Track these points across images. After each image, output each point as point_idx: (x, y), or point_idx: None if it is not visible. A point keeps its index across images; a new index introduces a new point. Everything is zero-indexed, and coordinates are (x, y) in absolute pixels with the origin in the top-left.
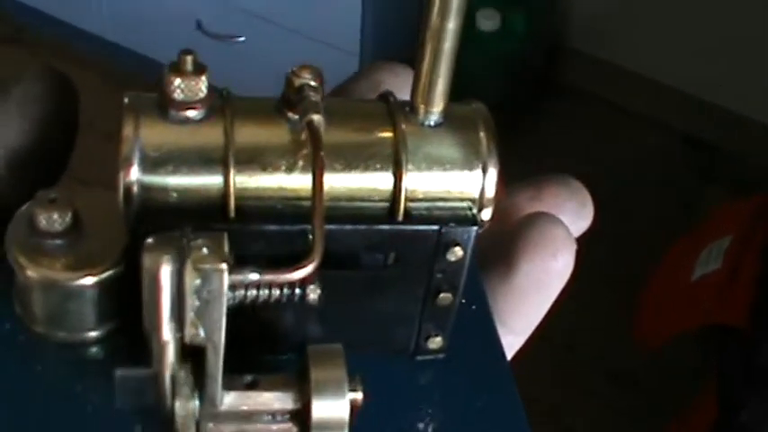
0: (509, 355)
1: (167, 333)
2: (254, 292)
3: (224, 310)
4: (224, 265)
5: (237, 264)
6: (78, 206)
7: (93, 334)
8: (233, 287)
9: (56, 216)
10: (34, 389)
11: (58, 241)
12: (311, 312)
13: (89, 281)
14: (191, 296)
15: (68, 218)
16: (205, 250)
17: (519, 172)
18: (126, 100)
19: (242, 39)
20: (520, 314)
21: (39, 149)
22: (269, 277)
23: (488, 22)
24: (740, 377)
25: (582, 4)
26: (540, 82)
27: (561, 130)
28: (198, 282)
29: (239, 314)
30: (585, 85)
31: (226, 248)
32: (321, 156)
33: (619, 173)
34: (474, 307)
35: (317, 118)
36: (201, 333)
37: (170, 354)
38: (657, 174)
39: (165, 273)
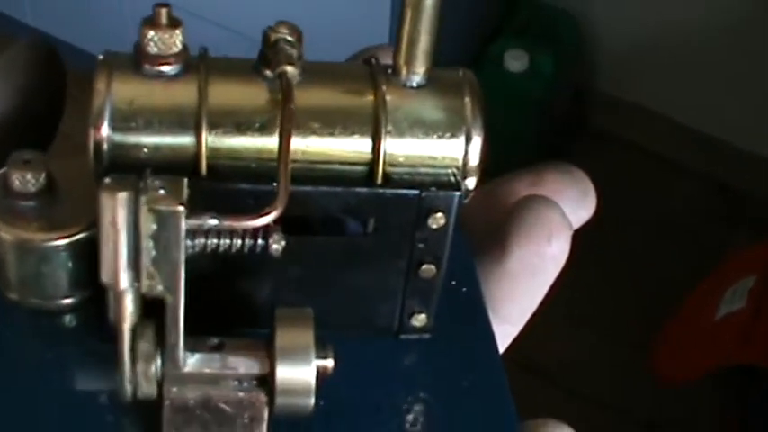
0: (504, 344)
1: (124, 281)
2: (214, 240)
3: (182, 257)
4: (180, 207)
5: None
6: (54, 169)
7: (66, 301)
8: (192, 234)
9: (29, 177)
10: (3, 356)
11: (32, 203)
12: (288, 285)
13: (62, 242)
14: (146, 239)
15: (42, 179)
16: (162, 192)
17: None
18: (100, 57)
19: None
20: (513, 301)
21: (22, 119)
22: (229, 223)
23: (516, 62)
24: (765, 419)
25: (611, 46)
26: (567, 123)
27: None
28: (154, 227)
29: (209, 283)
30: (612, 126)
31: (185, 192)
32: (291, 107)
33: (645, 216)
34: (465, 289)
35: (290, 69)
36: (160, 285)
37: (128, 304)
38: (684, 217)
39: (121, 212)
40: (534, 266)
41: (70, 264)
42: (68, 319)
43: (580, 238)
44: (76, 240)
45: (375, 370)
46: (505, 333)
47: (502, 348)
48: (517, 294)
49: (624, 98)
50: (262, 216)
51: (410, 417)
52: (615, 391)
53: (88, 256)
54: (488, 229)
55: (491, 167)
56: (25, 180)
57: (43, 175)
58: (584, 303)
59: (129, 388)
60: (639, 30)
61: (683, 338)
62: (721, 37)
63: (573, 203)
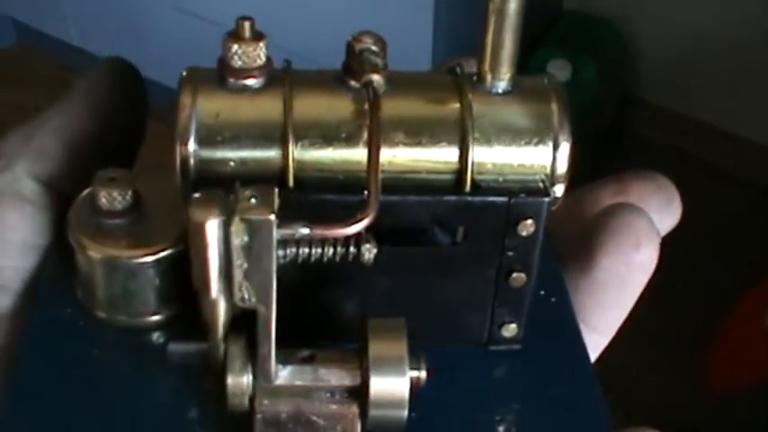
0: (593, 355)
1: (215, 291)
2: (305, 250)
3: (273, 267)
4: (272, 216)
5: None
6: (140, 187)
7: (153, 318)
8: (283, 244)
9: (116, 194)
10: (93, 374)
11: (119, 221)
12: (377, 296)
13: (149, 259)
14: (238, 251)
15: (129, 196)
16: (253, 201)
17: None
18: (184, 73)
19: None
20: (602, 311)
21: (105, 139)
22: (321, 231)
23: (560, 72)
24: None
25: (653, 54)
26: (611, 132)
27: None
28: (246, 237)
29: (298, 295)
30: (656, 134)
31: (276, 201)
32: (379, 115)
33: (690, 224)
34: (554, 299)
35: (376, 78)
36: (251, 298)
37: (221, 314)
38: (730, 225)
39: (212, 224)
40: (623, 275)
41: (157, 281)
42: (156, 336)
43: None
44: (164, 257)
45: (466, 382)
46: (595, 343)
47: (593, 359)
48: (606, 304)
49: (668, 106)
50: (354, 223)
51: (501, 429)
52: (663, 402)
53: (175, 272)
54: (575, 238)
55: None
56: (112, 198)
57: (129, 193)
58: (630, 313)
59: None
60: (682, 37)
61: (732, 348)
62: (764, 43)
63: (658, 211)
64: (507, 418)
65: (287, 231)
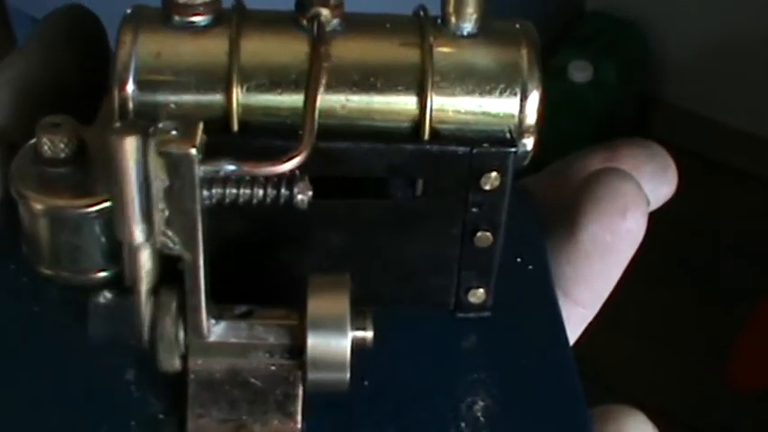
0: (576, 332)
1: (139, 235)
2: (233, 191)
3: (198, 208)
4: (193, 150)
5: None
6: (89, 137)
7: (100, 275)
8: (209, 183)
9: (59, 141)
10: (32, 332)
11: (63, 170)
12: (330, 255)
13: (94, 209)
14: (157, 187)
15: (73, 144)
16: (174, 133)
17: None
18: (128, 10)
19: None
20: (586, 282)
21: (59, 88)
22: (248, 168)
23: (581, 73)
24: None
25: (675, 55)
26: (632, 133)
27: None
28: (166, 173)
29: (242, 251)
30: (677, 135)
31: (199, 134)
32: (321, 47)
33: (711, 225)
34: (531, 267)
35: (324, 12)
36: (175, 243)
37: (145, 261)
38: (752, 226)
39: (130, 154)
40: (607, 244)
41: (104, 234)
42: (101, 295)
43: (650, 249)
44: (109, 208)
45: (428, 350)
46: (579, 317)
47: (576, 334)
48: (590, 274)
49: (689, 107)
50: (285, 162)
51: (466, 402)
52: (685, 403)
53: None
54: (560, 205)
55: None
56: (55, 145)
57: (74, 140)
58: (652, 316)
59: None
60: (703, 39)
61: (756, 346)
62: None
63: (651, 179)
64: (472, 389)
65: (210, 168)
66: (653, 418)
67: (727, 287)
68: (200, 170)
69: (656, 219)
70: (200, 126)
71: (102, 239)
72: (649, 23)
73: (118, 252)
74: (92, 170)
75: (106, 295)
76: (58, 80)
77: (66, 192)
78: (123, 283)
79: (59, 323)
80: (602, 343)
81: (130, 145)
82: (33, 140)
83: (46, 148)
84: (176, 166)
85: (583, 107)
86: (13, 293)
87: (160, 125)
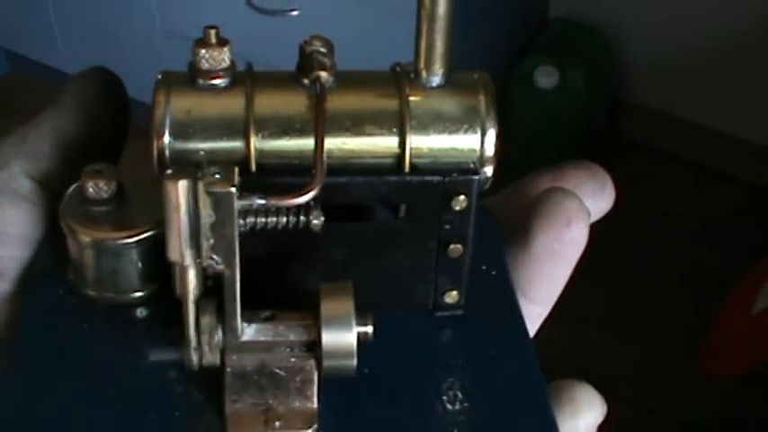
0: (534, 326)
1: (187, 258)
2: (262, 219)
3: (236, 233)
4: (233, 189)
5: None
6: (122, 179)
7: (137, 294)
8: (244, 214)
9: (102, 184)
10: (83, 345)
11: (105, 208)
12: (333, 268)
13: (131, 240)
14: (205, 219)
15: (113, 186)
16: (217, 176)
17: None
18: (159, 75)
19: (295, 12)
20: (539, 283)
21: (92, 139)
22: (275, 201)
23: (547, 79)
24: None
25: (640, 57)
26: (602, 137)
27: (625, 184)
28: (211, 207)
29: (265, 268)
30: (646, 135)
31: (236, 176)
32: (324, 103)
33: (686, 225)
34: (494, 273)
35: (323, 74)
36: (218, 262)
37: (191, 278)
38: (726, 225)
39: (182, 195)
40: (556, 250)
41: (140, 260)
42: (139, 310)
43: (625, 249)
44: (145, 238)
45: (414, 343)
46: (535, 314)
47: (533, 329)
48: (543, 276)
49: (655, 107)
50: (302, 195)
51: (446, 383)
52: (663, 396)
53: (155, 253)
54: (516, 220)
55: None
56: (98, 188)
57: (114, 183)
58: (632, 317)
59: (194, 357)
60: (666, 40)
61: (724, 336)
62: (746, 43)
63: (592, 195)
64: (451, 373)
65: (246, 202)
66: (642, 417)
67: (701, 281)
68: (237, 204)
69: (629, 217)
70: (237, 170)
71: (139, 265)
72: (613, 28)
73: (152, 275)
74: (128, 207)
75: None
76: (90, 131)
77: (107, 226)
78: (156, 302)
79: (106, 336)
80: (587, 347)
81: (183, 187)
82: (78, 183)
83: (90, 190)
84: (219, 202)
85: (551, 112)
86: (63, 313)
87: (206, 170)
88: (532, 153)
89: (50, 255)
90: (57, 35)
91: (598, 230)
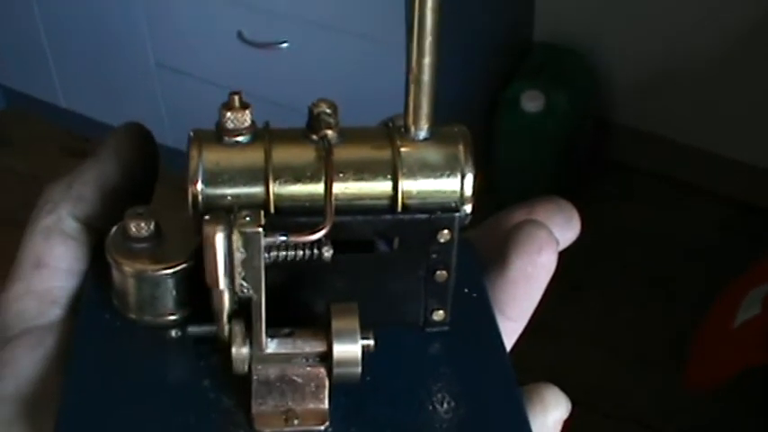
0: (511, 340)
1: (222, 284)
2: (283, 252)
3: (263, 265)
4: (260, 229)
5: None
6: (159, 219)
7: (171, 318)
8: (268, 248)
9: (143, 224)
10: (128, 361)
11: (145, 244)
12: (339, 292)
13: (168, 271)
14: (237, 253)
15: (152, 225)
16: (247, 219)
17: (573, 249)
18: (191, 133)
19: (285, 45)
20: (515, 302)
21: (127, 184)
22: (294, 238)
23: (533, 103)
24: None
25: (624, 79)
26: (588, 159)
27: (611, 203)
28: (243, 244)
29: (285, 295)
30: (632, 157)
31: (263, 219)
32: (332, 157)
33: (670, 242)
34: (475, 295)
35: (330, 133)
36: (248, 289)
37: (226, 301)
38: (709, 241)
39: (219, 235)
40: (529, 273)
41: (174, 289)
42: (174, 331)
43: (613, 266)
44: (179, 270)
45: (408, 355)
46: (511, 329)
47: (510, 342)
48: (517, 297)
49: (640, 127)
50: (316, 231)
51: (436, 387)
52: (650, 409)
53: (188, 282)
54: (494, 248)
55: (518, 200)
56: (139, 227)
57: (152, 223)
58: (619, 332)
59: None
60: (649, 61)
61: (707, 348)
62: (724, 64)
63: (560, 226)
64: (439, 380)
65: (270, 239)
66: (629, 429)
67: (686, 297)
68: (264, 242)
69: (615, 235)
70: (263, 213)
71: (173, 292)
72: (596, 51)
73: (184, 301)
74: (164, 243)
75: (196, 326)
76: (126, 178)
77: (147, 259)
78: (188, 324)
79: (147, 353)
80: (573, 362)
81: (220, 229)
82: (122, 223)
83: (133, 228)
84: (249, 240)
85: (538, 136)
86: (110, 334)
87: (238, 214)
88: (520, 175)
89: (95, 284)
90: (52, 70)
91: (585, 248)
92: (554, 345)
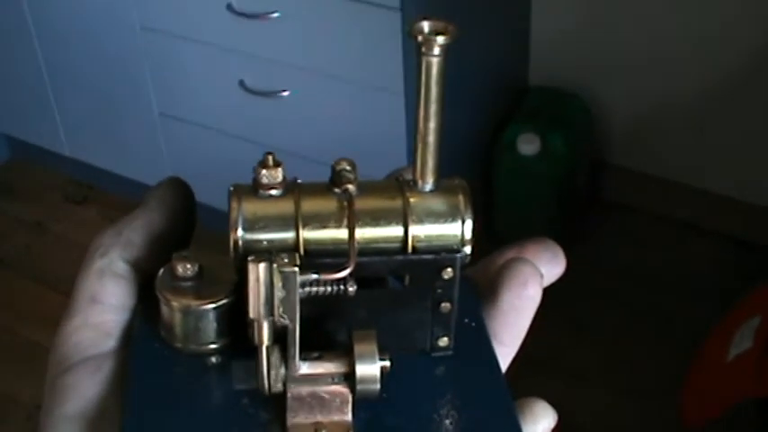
0: (506, 362)
1: (263, 315)
2: (314, 288)
3: (297, 299)
4: (296, 268)
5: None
6: (201, 260)
7: (213, 346)
8: (302, 285)
9: (188, 265)
10: (177, 385)
11: (190, 283)
12: (359, 322)
13: (210, 306)
14: (277, 288)
15: (196, 267)
16: (285, 260)
17: (569, 290)
18: (231, 188)
19: (286, 93)
20: (507, 330)
21: (171, 230)
22: (323, 276)
23: (529, 146)
24: None
25: (620, 120)
26: (585, 199)
27: (609, 242)
28: (281, 281)
29: (314, 325)
30: (628, 197)
31: (298, 260)
32: (353, 209)
33: (667, 279)
34: (474, 324)
35: (351, 187)
36: (285, 319)
37: (265, 331)
38: (709, 279)
39: (263, 273)
40: (517, 305)
41: (215, 321)
42: (215, 358)
43: (611, 305)
44: (220, 305)
45: (418, 375)
46: (505, 353)
47: (504, 364)
48: (508, 325)
49: (636, 167)
50: (342, 270)
51: (441, 403)
52: None
53: (228, 316)
54: (488, 283)
55: (515, 239)
56: (185, 268)
57: (197, 264)
58: (615, 366)
59: (266, 386)
60: (644, 101)
61: (701, 383)
62: (721, 102)
63: (546, 262)
64: (444, 396)
65: (304, 277)
66: None
67: (683, 332)
68: (299, 279)
69: (614, 274)
70: (297, 255)
71: (214, 324)
72: (591, 92)
73: (224, 332)
74: (206, 281)
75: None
76: (170, 225)
77: (191, 295)
78: (227, 352)
79: (193, 377)
80: (575, 399)
81: (263, 268)
82: (169, 264)
83: (179, 269)
84: (287, 279)
85: (535, 178)
86: (160, 361)
87: (277, 256)
88: (518, 216)
89: (143, 318)
90: (57, 119)
91: (583, 287)
92: (555, 380)
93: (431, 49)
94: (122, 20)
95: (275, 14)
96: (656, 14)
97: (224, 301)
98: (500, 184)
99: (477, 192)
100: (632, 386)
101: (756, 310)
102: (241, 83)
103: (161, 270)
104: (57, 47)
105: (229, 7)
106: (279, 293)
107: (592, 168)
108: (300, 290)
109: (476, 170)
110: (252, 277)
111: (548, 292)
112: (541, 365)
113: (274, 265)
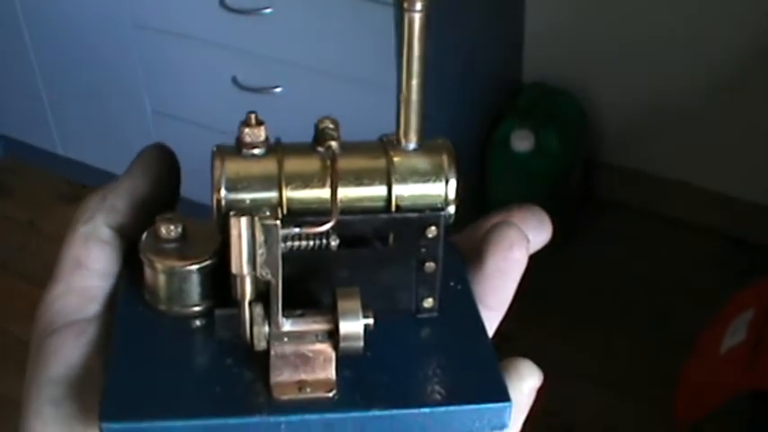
0: (492, 326)
1: (246, 270)
2: (296, 243)
3: (279, 253)
4: (278, 222)
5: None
6: (185, 222)
7: (197, 309)
8: (284, 239)
9: (172, 227)
10: (161, 346)
11: (174, 244)
12: (342, 282)
13: (194, 267)
14: (259, 243)
15: (180, 229)
16: (267, 213)
17: (562, 287)
18: (214, 148)
19: (279, 89)
20: (492, 294)
21: (154, 196)
22: (305, 230)
23: (523, 142)
24: None
25: (613, 117)
26: (578, 197)
27: (603, 241)
28: (263, 235)
29: (298, 284)
30: (621, 195)
31: (280, 214)
32: (336, 167)
33: (661, 277)
34: (459, 287)
35: (334, 144)
36: (267, 274)
37: (248, 285)
38: (703, 276)
39: (244, 227)
40: (503, 268)
41: (200, 283)
42: (199, 320)
43: (605, 302)
44: (204, 266)
45: (402, 335)
46: (491, 318)
47: (491, 329)
48: (494, 289)
49: (630, 165)
50: (324, 224)
51: (426, 361)
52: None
53: (211, 278)
54: (473, 248)
55: None
56: (169, 229)
57: (180, 226)
58: (610, 364)
59: (249, 340)
60: (638, 99)
61: (695, 378)
62: (716, 100)
63: (533, 228)
64: (430, 356)
65: (286, 231)
66: None
67: (677, 330)
68: (281, 232)
69: (608, 272)
70: (279, 209)
71: (198, 286)
72: (584, 90)
73: (208, 294)
74: (190, 243)
75: (225, 311)
76: (154, 190)
77: (175, 257)
78: (211, 314)
79: (177, 338)
80: (565, 394)
81: (245, 222)
82: (153, 226)
83: (163, 231)
84: (268, 232)
85: (528, 175)
86: (144, 323)
87: (260, 211)
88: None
89: (128, 283)
90: (50, 119)
91: (578, 285)
92: (547, 378)
93: (413, 4)
94: (115, 18)
95: (267, 10)
96: (649, 12)
97: (208, 263)
98: (494, 180)
99: (470, 188)
100: (626, 384)
101: (750, 304)
102: (234, 79)
103: (145, 233)
104: (49, 45)
105: (222, 4)
106: (261, 247)
107: (585, 165)
108: (282, 244)
109: (470, 167)
110: (234, 232)
111: (541, 288)
112: (533, 362)
113: (256, 219)
